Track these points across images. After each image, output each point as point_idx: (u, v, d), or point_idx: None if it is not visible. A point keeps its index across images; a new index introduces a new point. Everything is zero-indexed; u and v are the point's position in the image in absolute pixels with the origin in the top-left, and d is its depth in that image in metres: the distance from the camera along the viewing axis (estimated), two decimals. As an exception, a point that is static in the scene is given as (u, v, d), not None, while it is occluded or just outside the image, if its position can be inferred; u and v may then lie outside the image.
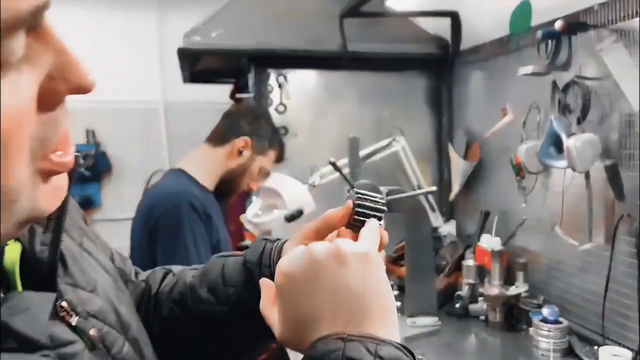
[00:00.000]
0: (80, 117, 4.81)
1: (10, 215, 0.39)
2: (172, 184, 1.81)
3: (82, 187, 4.85)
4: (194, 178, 1.85)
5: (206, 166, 1.89)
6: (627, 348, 1.60)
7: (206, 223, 1.74)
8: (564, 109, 1.80)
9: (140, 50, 4.86)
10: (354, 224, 0.66)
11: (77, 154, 0.45)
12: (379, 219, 0.67)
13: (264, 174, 2.03)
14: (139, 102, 4.96)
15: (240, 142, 1.89)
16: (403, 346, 0.52)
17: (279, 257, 0.72)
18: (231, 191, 1.95)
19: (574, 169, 1.68)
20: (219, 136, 1.92)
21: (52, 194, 0.43)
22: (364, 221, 0.65)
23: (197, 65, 3.00)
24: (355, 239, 0.61)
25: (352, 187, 1.96)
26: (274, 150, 2.00)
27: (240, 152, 1.90)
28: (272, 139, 2.00)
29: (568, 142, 1.66)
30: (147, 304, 0.79)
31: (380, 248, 0.65)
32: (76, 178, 0.49)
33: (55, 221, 0.51)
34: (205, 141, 1.95)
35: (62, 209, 0.50)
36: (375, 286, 0.54)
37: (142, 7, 4.95)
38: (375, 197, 0.69)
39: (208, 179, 1.88)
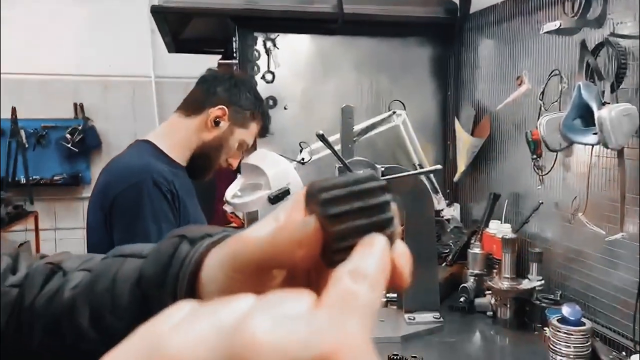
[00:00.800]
0: (69, 91, 4.66)
1: None
2: (133, 158, 1.57)
3: (70, 163, 4.66)
4: (162, 151, 1.60)
5: (177, 138, 1.64)
6: (663, 356, 1.36)
7: (173, 203, 1.50)
8: (594, 75, 1.55)
9: (131, 22, 4.61)
10: (333, 254, 0.37)
11: None
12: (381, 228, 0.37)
13: (245, 148, 1.78)
14: (130, 76, 4.74)
15: (216, 111, 1.63)
16: None
17: (194, 272, 0.46)
18: (206, 167, 1.70)
19: (606, 145, 1.43)
20: (193, 104, 1.67)
21: None
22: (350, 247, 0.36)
23: (182, 33, 2.76)
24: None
25: (344, 165, 1.71)
26: (256, 121, 1.74)
27: (216, 123, 1.64)
28: (255, 109, 1.74)
29: (600, 113, 1.42)
30: (17, 321, 0.53)
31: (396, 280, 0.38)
32: None
33: None
34: (177, 110, 1.70)
35: None
36: None
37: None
38: (363, 188, 0.37)
39: (179, 153, 1.64)
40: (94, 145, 4.71)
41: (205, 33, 2.89)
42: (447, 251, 2.18)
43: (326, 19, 2.31)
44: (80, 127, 4.61)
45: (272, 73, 2.36)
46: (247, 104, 1.70)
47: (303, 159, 2.05)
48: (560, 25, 1.51)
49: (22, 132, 4.54)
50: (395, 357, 1.43)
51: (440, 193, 2.39)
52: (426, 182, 2.24)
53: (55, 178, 4.66)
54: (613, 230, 1.53)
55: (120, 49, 4.61)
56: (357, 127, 2.09)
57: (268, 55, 2.33)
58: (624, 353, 1.47)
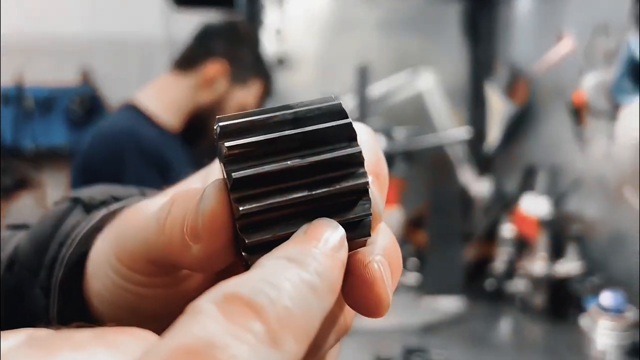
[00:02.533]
0: (76, 55, 4.60)
1: None
2: (116, 123, 1.44)
3: (78, 132, 4.63)
4: (150, 114, 1.45)
5: (169, 99, 1.50)
6: None
7: (161, 173, 1.37)
8: None
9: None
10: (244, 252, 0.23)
11: None
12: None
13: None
14: (140, 39, 4.66)
15: (213, 67, 1.48)
16: None
17: (79, 258, 0.31)
18: (202, 133, 1.55)
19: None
20: (187, 60, 1.51)
21: None
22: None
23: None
24: None
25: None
26: (259, 81, 1.59)
27: (213, 81, 1.50)
28: (258, 66, 1.58)
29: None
30: None
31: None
32: None
33: None
34: (170, 66, 1.55)
35: None
36: None
37: None
38: (305, 127, 0.24)
39: (171, 116, 1.49)
40: (101, 113, 4.71)
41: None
42: (475, 230, 2.08)
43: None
44: (88, 95, 4.59)
45: (282, 30, 2.27)
46: (249, 61, 1.55)
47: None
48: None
49: (32, 100, 4.54)
50: (410, 349, 1.28)
51: (469, 165, 2.29)
52: (453, 153, 2.16)
53: (62, 148, 4.68)
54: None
55: (131, 12, 4.52)
56: (380, 91, 2.01)
57: (278, 8, 2.23)
58: None
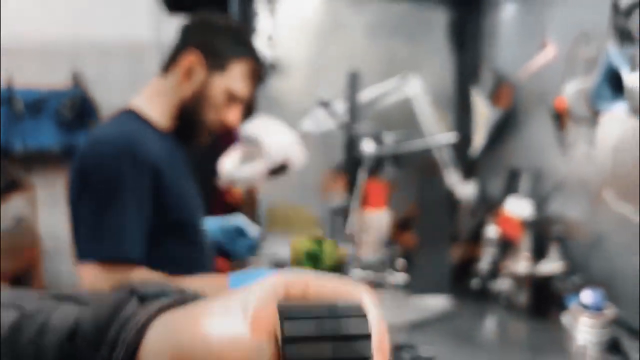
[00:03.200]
0: (66, 58, 4.60)
1: None
2: (110, 128, 1.44)
3: (68, 135, 4.61)
4: (146, 118, 1.47)
5: (158, 101, 1.50)
6: (697, 351, 1.26)
7: (156, 179, 1.38)
8: (626, 38, 1.44)
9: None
10: None
11: None
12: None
13: (241, 100, 1.55)
14: (130, 43, 4.67)
15: (187, 58, 1.45)
16: None
17: (135, 342, 0.41)
18: (194, 130, 1.52)
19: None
20: (168, 58, 1.52)
21: None
22: None
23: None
24: None
25: (349, 133, 1.60)
26: (240, 62, 1.50)
27: (190, 73, 1.47)
28: (236, 48, 1.51)
29: (630, 79, 1.31)
30: None
31: None
32: None
33: None
34: (159, 70, 1.57)
35: None
36: None
37: None
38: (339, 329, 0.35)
39: (163, 117, 1.49)
40: (92, 117, 4.66)
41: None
42: (460, 231, 2.12)
43: (335, -23, 2.22)
44: (78, 97, 4.56)
45: (274, 36, 2.29)
46: (223, 45, 1.50)
47: (306, 129, 1.97)
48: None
49: (21, 102, 4.50)
50: (401, 346, 1.33)
51: (455, 168, 2.33)
52: (440, 157, 2.20)
53: (51, 150, 4.65)
54: (643, 211, 1.42)
55: (122, 16, 4.54)
56: (367, 96, 2.04)
57: (269, 15, 2.26)
58: None
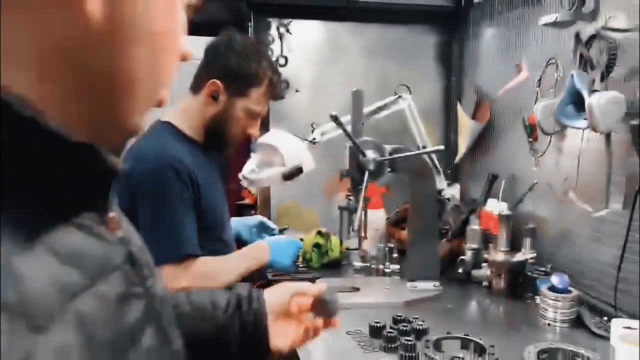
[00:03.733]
0: None
1: None
2: (153, 141, 1.58)
3: None
4: (182, 131, 1.66)
5: (190, 116, 1.67)
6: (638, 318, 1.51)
7: (192, 189, 1.57)
8: (587, 64, 1.67)
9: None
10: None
11: None
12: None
13: (258, 116, 1.71)
14: None
15: (210, 86, 1.61)
16: None
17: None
18: (221, 142, 1.70)
19: (595, 129, 1.56)
20: (196, 80, 1.68)
21: None
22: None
23: (197, 16, 2.85)
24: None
25: (355, 145, 1.83)
26: (259, 87, 1.65)
27: (214, 98, 1.63)
28: (253, 74, 1.64)
29: (590, 100, 1.54)
30: None
31: None
32: None
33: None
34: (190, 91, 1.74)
35: None
36: None
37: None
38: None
39: (196, 131, 1.68)
40: None
41: (219, 17, 2.99)
42: (447, 228, 2.28)
43: (336, 5, 2.43)
44: None
45: (285, 57, 2.48)
46: (243, 72, 1.62)
47: (314, 139, 2.18)
48: (556, 19, 1.64)
49: None
50: (399, 318, 1.58)
51: (442, 173, 2.52)
52: (429, 163, 2.39)
53: None
54: (599, 208, 1.66)
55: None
56: (365, 110, 2.20)
57: (281, 40, 2.45)
58: (605, 318, 1.59)
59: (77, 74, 0.43)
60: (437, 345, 1.35)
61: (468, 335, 1.39)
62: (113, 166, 0.49)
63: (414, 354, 1.36)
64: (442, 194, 2.48)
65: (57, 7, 0.40)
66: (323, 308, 0.96)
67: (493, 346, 1.33)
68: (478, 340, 1.36)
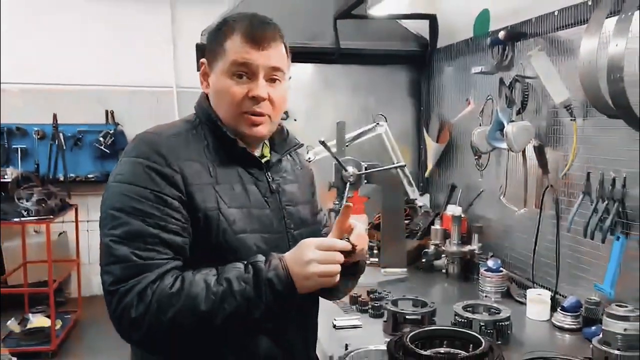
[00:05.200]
0: (101, 99, 5.40)
1: None
2: None
3: (102, 163, 5.34)
4: None
5: None
6: (548, 289, 2.05)
7: None
8: (509, 101, 2.23)
9: (156, 42, 5.40)
10: None
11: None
12: None
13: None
14: (154, 86, 5.47)
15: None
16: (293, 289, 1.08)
17: None
18: None
19: (511, 150, 2.12)
20: None
21: None
22: None
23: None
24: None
25: (339, 163, 2.40)
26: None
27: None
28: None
29: (507, 128, 2.11)
30: None
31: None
32: None
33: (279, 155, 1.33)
34: None
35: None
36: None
37: (158, 5, 5.44)
38: None
39: None
40: (123, 147, 5.35)
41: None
42: (417, 229, 2.81)
43: (326, 52, 3.00)
44: (111, 132, 5.33)
45: None
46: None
47: (309, 158, 2.74)
48: (482, 69, 2.22)
49: (61, 136, 5.23)
50: (372, 290, 2.13)
51: (415, 186, 3.06)
52: (402, 177, 2.92)
53: (89, 176, 5.36)
54: (520, 207, 2.22)
55: (145, 63, 5.36)
56: (350, 135, 2.75)
57: None
58: (526, 290, 2.13)
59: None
60: (395, 303, 1.89)
61: (417, 297, 1.93)
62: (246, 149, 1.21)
63: (379, 312, 1.92)
64: (415, 203, 3.02)
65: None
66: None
67: (433, 302, 1.86)
68: (424, 300, 1.90)
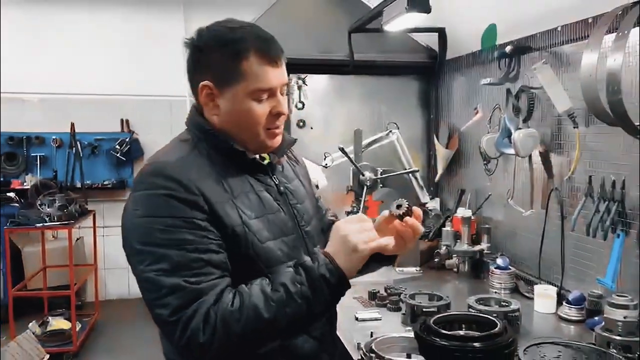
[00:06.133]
0: (117, 109, 5.58)
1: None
2: None
3: (117, 170, 5.51)
4: None
5: None
6: (554, 285, 2.20)
7: None
8: (515, 110, 2.38)
9: (170, 53, 5.49)
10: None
11: None
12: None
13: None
14: (169, 97, 5.63)
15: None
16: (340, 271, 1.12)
17: None
18: None
19: (518, 155, 2.28)
20: None
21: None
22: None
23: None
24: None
25: (357, 168, 2.57)
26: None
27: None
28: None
29: (514, 135, 2.26)
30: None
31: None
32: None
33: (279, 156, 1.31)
34: None
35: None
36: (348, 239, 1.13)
37: (170, 14, 5.63)
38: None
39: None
40: (137, 155, 5.59)
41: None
42: (428, 231, 2.91)
43: (341, 63, 3.17)
44: (126, 140, 5.51)
45: (303, 103, 3.23)
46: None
47: (327, 164, 2.90)
48: (490, 81, 2.38)
49: (79, 144, 5.40)
50: (388, 286, 2.29)
51: (425, 190, 3.22)
52: (414, 182, 3.09)
53: (105, 182, 5.52)
54: (527, 209, 2.37)
55: (159, 73, 5.51)
56: (364, 142, 2.93)
57: (299, 89, 3.20)
58: (533, 286, 2.28)
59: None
60: (412, 297, 2.04)
61: (432, 292, 2.08)
62: (256, 159, 1.24)
63: (397, 305, 2.07)
64: (426, 206, 3.16)
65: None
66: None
67: (448, 296, 2.02)
68: (440, 294, 2.05)
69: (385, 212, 1.23)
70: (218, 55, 1.21)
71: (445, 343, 1.27)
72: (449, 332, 1.30)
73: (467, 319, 1.42)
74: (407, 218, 1.20)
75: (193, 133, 1.28)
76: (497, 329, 1.30)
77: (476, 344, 1.25)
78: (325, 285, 1.11)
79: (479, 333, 1.32)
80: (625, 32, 1.63)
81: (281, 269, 1.16)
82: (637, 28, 1.71)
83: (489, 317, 1.38)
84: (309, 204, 1.41)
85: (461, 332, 1.38)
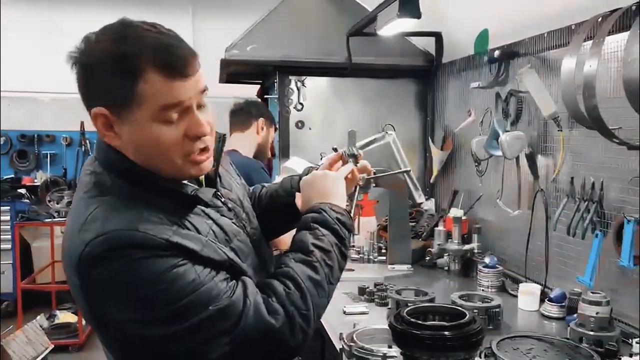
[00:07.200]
0: None
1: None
2: (242, 157, 2.67)
3: None
4: (244, 154, 2.71)
5: (247, 145, 2.77)
6: (538, 283, 2.26)
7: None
8: (504, 113, 2.46)
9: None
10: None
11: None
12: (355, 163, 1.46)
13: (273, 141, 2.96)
14: None
15: (261, 122, 2.84)
16: (344, 210, 1.27)
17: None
18: (264, 159, 2.85)
19: (505, 157, 2.34)
20: (242, 124, 2.80)
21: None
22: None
23: (232, 70, 3.70)
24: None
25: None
26: (275, 125, 2.98)
27: (262, 129, 2.83)
28: (273, 118, 2.92)
29: (502, 137, 2.33)
30: (254, 200, 1.51)
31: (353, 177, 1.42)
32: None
33: (216, 166, 1.20)
34: (233, 131, 2.79)
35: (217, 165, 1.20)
36: (332, 188, 1.30)
37: (178, 16, 5.73)
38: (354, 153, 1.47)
39: (250, 154, 2.77)
40: None
41: (248, 70, 3.83)
42: (422, 230, 3.03)
43: (339, 66, 3.25)
44: None
45: (302, 104, 3.30)
46: (269, 114, 2.95)
47: (323, 164, 2.97)
48: (479, 84, 2.45)
49: (88, 142, 5.53)
50: (378, 283, 2.36)
51: (421, 190, 3.29)
52: (409, 182, 3.15)
53: None
54: (514, 209, 2.44)
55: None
56: (360, 142, 2.98)
57: (299, 91, 3.28)
58: (519, 284, 2.34)
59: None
60: (399, 292, 2.11)
61: (418, 287, 2.16)
62: (191, 188, 1.08)
63: (384, 300, 2.15)
64: (421, 207, 3.24)
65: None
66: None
67: (433, 292, 2.09)
68: (425, 290, 2.12)
69: (331, 155, 1.61)
70: (109, 75, 1.00)
71: (417, 332, 1.35)
72: (420, 322, 1.38)
73: (440, 311, 1.51)
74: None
75: (114, 178, 1.06)
76: (465, 319, 1.37)
77: (446, 333, 1.33)
78: (343, 226, 1.24)
79: (449, 323, 1.40)
80: (601, 39, 1.70)
81: (297, 235, 1.22)
82: (614, 35, 1.78)
83: (459, 308, 1.46)
84: (247, 203, 1.35)
85: (432, 323, 1.46)
